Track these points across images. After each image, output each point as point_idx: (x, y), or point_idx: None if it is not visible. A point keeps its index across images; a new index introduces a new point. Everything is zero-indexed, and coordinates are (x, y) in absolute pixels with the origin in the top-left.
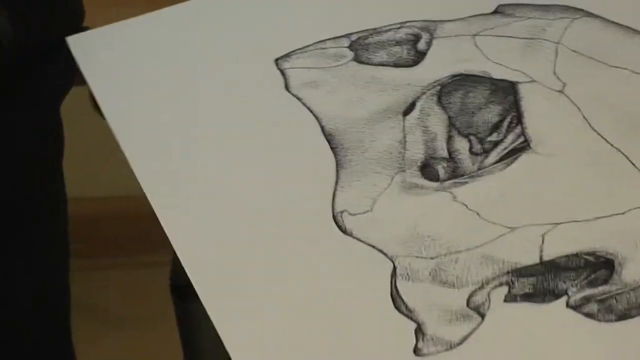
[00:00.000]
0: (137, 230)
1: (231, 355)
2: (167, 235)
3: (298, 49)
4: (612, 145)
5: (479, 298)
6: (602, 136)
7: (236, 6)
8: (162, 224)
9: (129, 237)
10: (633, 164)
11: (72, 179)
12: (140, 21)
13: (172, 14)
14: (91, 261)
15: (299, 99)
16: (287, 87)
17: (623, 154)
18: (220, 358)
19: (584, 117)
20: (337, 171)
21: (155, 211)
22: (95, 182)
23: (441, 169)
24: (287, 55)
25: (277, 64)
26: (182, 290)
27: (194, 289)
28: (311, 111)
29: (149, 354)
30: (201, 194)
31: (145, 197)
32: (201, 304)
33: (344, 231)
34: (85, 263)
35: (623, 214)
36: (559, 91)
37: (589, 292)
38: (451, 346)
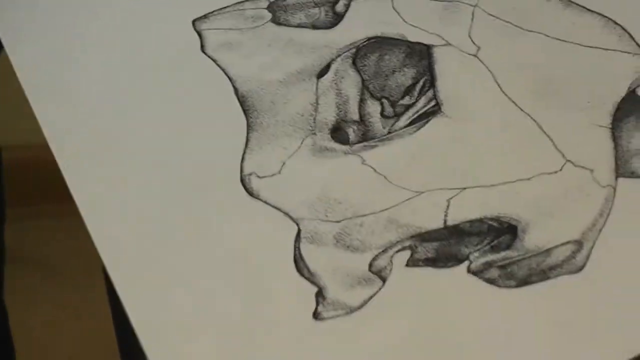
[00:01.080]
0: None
1: (134, 325)
2: (71, 192)
3: (216, 10)
4: (522, 110)
5: (381, 262)
6: (512, 101)
7: None
8: (67, 181)
9: (62, 184)
10: (542, 129)
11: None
12: None
13: None
14: (23, 210)
15: (214, 60)
16: (203, 49)
17: (532, 119)
18: None
19: (495, 81)
20: (248, 134)
21: (61, 169)
22: (26, 129)
23: (351, 132)
24: (205, 16)
25: (194, 25)
26: None
27: None
28: (226, 73)
29: (82, 303)
30: (110, 153)
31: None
32: None
33: (251, 193)
34: (17, 212)
35: (528, 179)
36: (473, 55)
37: (490, 257)
38: (351, 310)
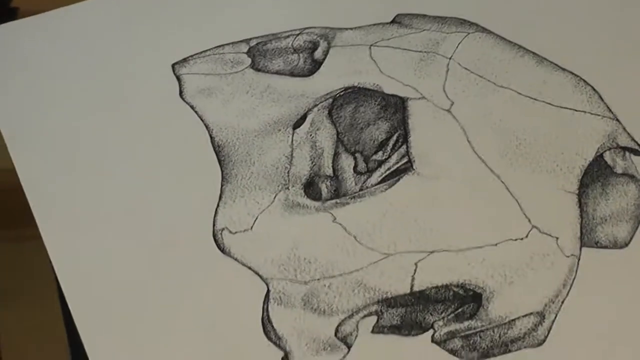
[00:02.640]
0: (18, 203)
1: None
2: (43, 238)
3: (196, 54)
4: (491, 170)
5: (347, 328)
6: (482, 160)
7: (137, 7)
8: (39, 226)
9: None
10: (509, 192)
11: None
12: (38, 19)
13: (75, 11)
14: None
15: (192, 107)
16: (181, 94)
17: (501, 180)
18: None
19: (467, 139)
20: (222, 186)
21: (33, 211)
22: None
23: (324, 188)
24: (185, 60)
25: (173, 69)
26: None
27: None
28: (203, 121)
29: (29, 328)
30: (82, 201)
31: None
32: None
33: (222, 250)
34: None
35: (495, 245)
36: (447, 110)
37: (454, 326)
38: None
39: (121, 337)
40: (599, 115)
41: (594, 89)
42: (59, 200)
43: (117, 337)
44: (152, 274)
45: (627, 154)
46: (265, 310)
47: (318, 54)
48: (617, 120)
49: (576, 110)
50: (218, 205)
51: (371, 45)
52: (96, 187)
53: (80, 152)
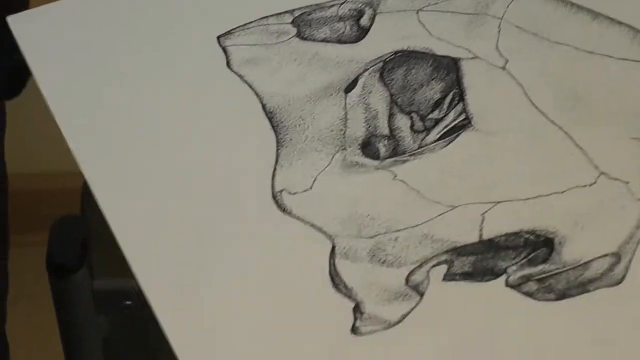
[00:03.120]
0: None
1: (168, 335)
2: (103, 212)
3: (240, 26)
4: (552, 122)
5: (417, 277)
6: (543, 113)
7: None
8: (97, 199)
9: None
10: (573, 141)
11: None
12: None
13: None
14: None
15: (240, 76)
16: (228, 65)
17: (564, 131)
18: (96, 335)
19: (525, 94)
20: (278, 150)
21: (92, 188)
22: None
23: (382, 147)
24: (230, 32)
25: (219, 41)
26: (59, 269)
27: (68, 267)
28: (253, 89)
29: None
30: (139, 169)
31: (19, 175)
32: (77, 283)
33: (284, 210)
34: None
35: (562, 192)
36: (502, 67)
37: (528, 271)
38: (389, 325)
39: (192, 295)
40: None
41: None
42: (118, 172)
43: (188, 296)
44: (216, 235)
45: None
46: (333, 264)
47: (364, 20)
48: None
49: (636, 61)
50: (275, 168)
51: (418, 10)
52: (155, 160)
53: (136, 126)
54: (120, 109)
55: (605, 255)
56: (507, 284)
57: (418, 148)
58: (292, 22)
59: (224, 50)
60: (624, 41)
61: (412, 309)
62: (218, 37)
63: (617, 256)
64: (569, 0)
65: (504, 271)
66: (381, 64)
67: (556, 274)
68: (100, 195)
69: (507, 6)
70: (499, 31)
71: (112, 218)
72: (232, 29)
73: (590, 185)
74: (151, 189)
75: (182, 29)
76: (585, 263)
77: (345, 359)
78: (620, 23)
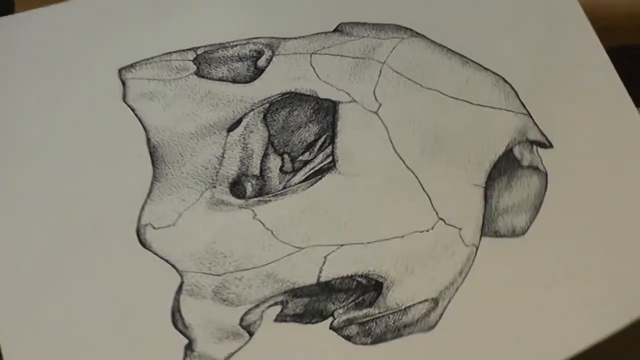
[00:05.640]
0: None
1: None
2: None
3: (143, 60)
4: (408, 167)
5: (252, 317)
6: (401, 158)
7: (89, 16)
8: None
9: None
10: (422, 187)
11: None
12: None
13: (28, 18)
14: None
15: (133, 109)
16: (124, 98)
17: (416, 176)
18: None
19: (389, 139)
20: (152, 184)
21: None
22: None
23: (249, 187)
24: (132, 65)
25: (120, 74)
26: None
27: None
28: (142, 123)
29: None
30: (10, 192)
31: None
32: None
33: (144, 244)
34: None
35: (402, 237)
36: (374, 112)
37: (353, 314)
38: None
39: (31, 322)
40: (513, 111)
41: (511, 87)
42: None
43: (28, 319)
44: (73, 264)
45: (535, 147)
46: (177, 300)
47: (261, 62)
48: (530, 115)
49: (492, 108)
50: (145, 202)
51: (312, 53)
52: (25, 178)
53: (15, 144)
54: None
55: (425, 300)
56: (331, 327)
57: (282, 189)
58: (194, 60)
59: (123, 83)
60: (485, 87)
61: (240, 348)
62: (119, 70)
63: (435, 302)
64: (446, 47)
65: (332, 314)
66: (267, 104)
67: (377, 318)
68: None
69: (391, 51)
70: (379, 75)
71: None
72: (134, 62)
73: (428, 230)
74: (19, 207)
75: (88, 60)
76: (406, 308)
77: None
78: (486, 70)
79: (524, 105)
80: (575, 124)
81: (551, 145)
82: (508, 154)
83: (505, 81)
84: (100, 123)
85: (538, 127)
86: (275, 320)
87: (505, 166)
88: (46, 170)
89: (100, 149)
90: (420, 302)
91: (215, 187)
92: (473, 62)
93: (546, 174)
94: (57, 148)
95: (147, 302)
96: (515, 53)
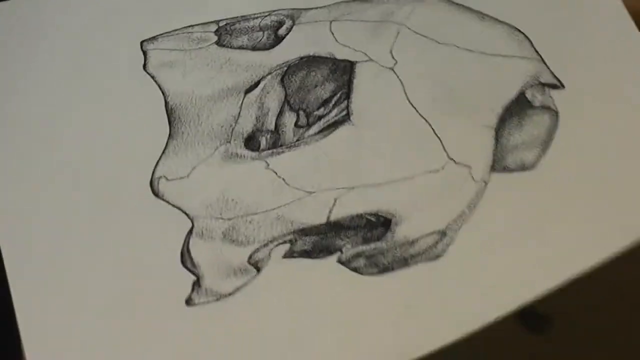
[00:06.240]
0: None
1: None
2: None
3: (165, 33)
4: (421, 115)
5: (260, 254)
6: (415, 108)
7: None
8: None
9: None
10: (434, 132)
11: None
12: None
13: None
14: None
15: (153, 77)
16: (145, 67)
17: (428, 123)
18: None
19: (404, 92)
20: (167, 141)
21: None
22: None
23: (263, 140)
24: (154, 37)
25: (141, 45)
26: None
27: None
28: (161, 88)
29: None
30: (29, 154)
31: None
32: None
33: (157, 194)
34: None
35: (412, 177)
36: (390, 68)
37: (360, 248)
38: (221, 296)
39: (45, 270)
40: (527, 57)
41: (525, 36)
42: (8, 153)
43: (42, 269)
44: (89, 214)
45: (547, 89)
46: (186, 242)
47: (282, 30)
48: (543, 61)
49: (506, 56)
50: (160, 157)
51: (332, 20)
52: (47, 144)
53: (38, 108)
54: (33, 89)
55: (432, 232)
56: (339, 260)
57: (296, 141)
58: (215, 31)
59: (144, 53)
60: (500, 38)
61: (247, 282)
62: (142, 42)
63: (442, 233)
64: (463, 5)
65: (340, 249)
66: (285, 67)
67: (385, 250)
68: None
69: (409, 13)
70: (397, 36)
71: None
72: (156, 35)
73: (438, 170)
74: (35, 171)
75: (112, 34)
76: (413, 240)
77: (176, 328)
78: (502, 22)
79: (537, 52)
80: (588, 68)
81: (563, 86)
82: (521, 97)
83: (520, 31)
84: (120, 89)
85: (550, 70)
86: (284, 256)
87: (517, 108)
88: (67, 132)
89: (119, 112)
90: (427, 234)
91: (229, 142)
92: (489, 16)
93: (557, 113)
94: (77, 112)
95: (155, 245)
96: (530, 4)
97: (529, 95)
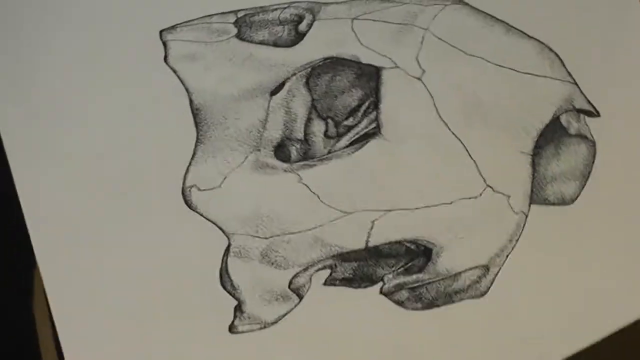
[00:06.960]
0: None
1: (55, 320)
2: (18, 192)
3: (184, 22)
4: (453, 133)
5: (301, 280)
6: (446, 124)
7: None
8: (15, 180)
9: None
10: (469, 154)
11: None
12: None
13: None
14: None
15: (174, 71)
16: (165, 59)
17: (462, 142)
18: None
19: (434, 105)
20: (196, 146)
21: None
22: None
23: (294, 151)
24: (173, 27)
25: (161, 35)
26: None
27: None
28: (184, 84)
29: None
30: (55, 152)
31: None
32: None
33: (190, 206)
34: None
35: (450, 203)
36: (418, 78)
37: (402, 279)
38: (265, 325)
39: (81, 280)
40: (558, 79)
41: (557, 55)
42: (34, 147)
43: (78, 280)
44: (119, 224)
45: (582, 116)
46: (225, 262)
47: (302, 26)
48: (576, 84)
49: (537, 76)
50: (190, 164)
51: (354, 18)
52: (73, 139)
53: (59, 106)
54: (49, 90)
55: (475, 267)
56: (381, 292)
57: (327, 153)
58: (235, 22)
59: (164, 44)
60: (530, 55)
61: (290, 310)
62: (161, 32)
63: (485, 269)
64: (489, 14)
65: (381, 279)
66: (309, 69)
67: (428, 283)
68: (18, 180)
69: (433, 18)
70: (422, 42)
71: (22, 193)
72: (175, 24)
73: (476, 197)
74: (63, 168)
75: (129, 21)
76: (456, 274)
77: (219, 355)
78: (530, 37)
79: (569, 74)
80: (623, 93)
81: (598, 114)
82: (555, 122)
83: (550, 49)
84: (142, 83)
85: (585, 95)
86: (325, 283)
87: (552, 134)
88: (89, 134)
89: (142, 109)
90: (470, 269)
91: (259, 150)
92: (516, 29)
93: (594, 143)
94: (99, 109)
95: (194, 263)
96: (559, 20)
97: (564, 121)
